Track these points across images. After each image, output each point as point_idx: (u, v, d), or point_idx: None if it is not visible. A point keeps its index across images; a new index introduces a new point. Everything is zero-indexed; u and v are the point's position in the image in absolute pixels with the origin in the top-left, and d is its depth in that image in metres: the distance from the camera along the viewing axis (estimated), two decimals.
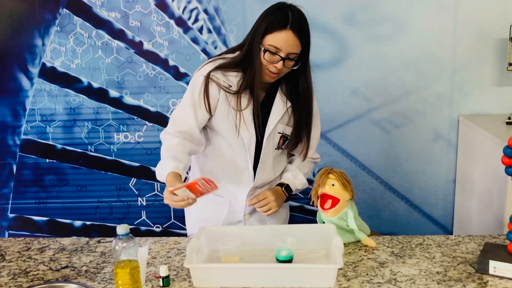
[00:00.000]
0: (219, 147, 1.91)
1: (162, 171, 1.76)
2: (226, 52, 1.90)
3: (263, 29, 1.74)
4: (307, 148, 1.97)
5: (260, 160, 1.90)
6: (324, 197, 1.71)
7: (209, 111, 1.83)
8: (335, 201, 1.69)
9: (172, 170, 1.72)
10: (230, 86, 1.82)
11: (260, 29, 1.75)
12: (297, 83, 1.86)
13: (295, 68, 1.78)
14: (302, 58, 1.79)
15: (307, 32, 1.77)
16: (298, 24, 1.73)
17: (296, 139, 1.94)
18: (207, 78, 1.81)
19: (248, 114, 1.84)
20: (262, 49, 1.74)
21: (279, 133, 1.91)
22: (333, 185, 1.69)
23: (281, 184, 1.96)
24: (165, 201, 1.65)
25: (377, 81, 2.85)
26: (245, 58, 1.80)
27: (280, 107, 1.88)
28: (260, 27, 1.75)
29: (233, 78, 1.82)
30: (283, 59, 1.73)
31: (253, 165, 1.91)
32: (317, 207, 1.75)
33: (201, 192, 1.62)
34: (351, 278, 1.51)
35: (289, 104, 1.89)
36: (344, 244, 1.71)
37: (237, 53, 1.84)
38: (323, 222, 1.77)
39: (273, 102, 1.89)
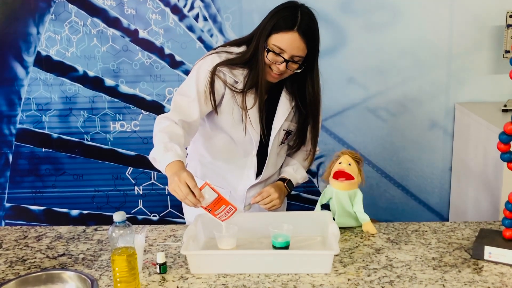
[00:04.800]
0: (222, 142, 1.89)
1: (168, 153, 1.62)
2: (230, 44, 1.85)
3: (269, 28, 1.69)
4: (313, 153, 1.96)
5: (267, 159, 1.90)
6: (338, 174, 1.73)
7: (215, 109, 1.80)
8: (350, 178, 1.72)
9: (180, 159, 1.62)
10: (236, 82, 1.79)
11: (266, 27, 1.70)
12: (303, 86, 1.82)
13: (298, 71, 1.75)
14: (307, 62, 1.75)
15: (315, 36, 1.72)
16: (306, 26, 1.68)
17: (300, 140, 1.94)
18: (213, 74, 1.76)
19: (254, 113, 1.82)
20: (266, 48, 1.70)
21: (283, 130, 1.90)
22: (349, 164, 1.71)
23: (283, 179, 1.95)
24: (172, 186, 1.55)
25: (373, 69, 2.84)
26: (252, 56, 1.75)
27: (285, 106, 1.86)
28: (267, 25, 1.70)
29: (240, 76, 1.79)
30: (286, 61, 1.70)
31: (257, 161, 1.90)
32: (327, 181, 1.78)
33: (215, 212, 1.60)
34: (347, 264, 1.52)
35: (294, 102, 1.87)
36: (344, 228, 1.73)
37: (243, 48, 1.80)
38: (323, 204, 1.78)
39: (277, 100, 1.87)
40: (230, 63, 1.78)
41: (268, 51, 1.70)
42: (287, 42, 1.68)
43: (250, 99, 1.80)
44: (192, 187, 1.54)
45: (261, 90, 1.78)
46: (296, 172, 1.97)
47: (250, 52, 1.76)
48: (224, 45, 1.87)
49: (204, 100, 1.78)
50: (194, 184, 1.54)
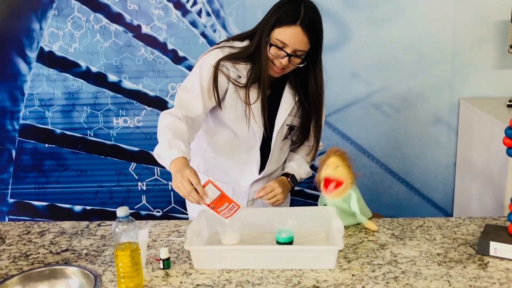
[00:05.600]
0: (225, 137, 1.88)
1: (172, 150, 1.62)
2: (233, 39, 1.84)
3: (272, 22, 1.68)
4: (316, 148, 1.95)
5: (270, 154, 1.89)
6: (328, 180, 1.71)
7: (219, 103, 1.80)
8: (339, 183, 1.69)
9: (184, 155, 1.62)
10: (240, 77, 1.78)
11: (269, 22, 1.69)
12: (306, 81, 1.81)
13: (301, 66, 1.74)
14: (310, 57, 1.74)
15: (318, 30, 1.71)
16: (309, 21, 1.66)
17: (303, 135, 1.92)
18: (216, 69, 1.75)
19: (257, 107, 1.81)
20: (269, 42, 1.69)
21: (287, 125, 1.89)
22: (337, 167, 1.69)
23: (286, 174, 1.94)
24: (175, 183, 1.56)
25: (377, 64, 2.83)
26: (255, 51, 1.74)
27: (289, 101, 1.85)
28: (270, 19, 1.69)
29: (243, 70, 1.78)
30: (288, 55, 1.68)
31: (260, 157, 1.89)
32: (320, 190, 1.75)
33: (218, 209, 1.60)
34: (352, 259, 1.51)
35: (297, 97, 1.85)
36: (345, 226, 1.71)
37: (246, 42, 1.79)
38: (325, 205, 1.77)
39: (280, 95, 1.86)
40: (233, 58, 1.77)
41: (271, 45, 1.69)
42: (289, 36, 1.67)
43: (253, 93, 1.79)
44: (195, 184, 1.53)
45: (264, 85, 1.77)
46: (299, 167, 1.96)
47: (253, 47, 1.75)
48: (227, 40, 1.86)
49: (208, 95, 1.77)
50: (197, 181, 1.54)
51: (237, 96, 1.80)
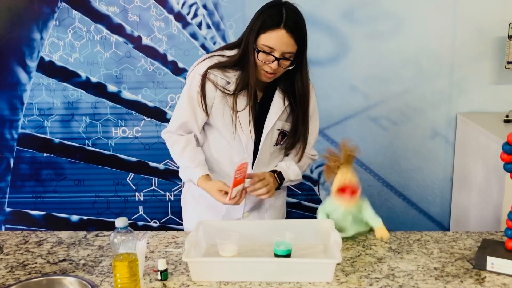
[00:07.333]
0: (217, 144, 1.90)
1: (191, 178, 1.84)
2: (223, 48, 1.88)
3: (256, 28, 1.71)
4: (304, 147, 1.95)
5: (256, 158, 1.89)
6: (343, 189, 1.68)
7: (206, 111, 1.83)
8: (354, 190, 1.67)
9: (199, 176, 1.80)
10: (229, 83, 1.80)
11: (254, 28, 1.72)
12: (294, 82, 1.83)
13: (291, 67, 1.76)
14: (298, 57, 1.76)
15: (303, 30, 1.74)
16: (292, 22, 1.69)
17: (294, 139, 1.92)
18: (204, 77, 1.79)
19: (245, 114, 1.83)
20: (256, 49, 1.72)
21: (277, 129, 1.90)
22: (351, 173, 1.69)
23: (273, 171, 1.92)
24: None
25: (375, 78, 2.85)
26: (241, 58, 1.78)
27: (278, 105, 1.86)
28: (254, 26, 1.72)
29: (232, 77, 1.81)
30: (277, 59, 1.70)
31: (252, 163, 1.90)
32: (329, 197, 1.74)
33: (240, 180, 1.71)
34: (349, 273, 1.52)
35: (287, 102, 1.87)
36: (359, 233, 1.73)
37: (235, 51, 1.82)
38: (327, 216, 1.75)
39: (271, 100, 1.88)
40: (221, 66, 1.80)
41: (258, 51, 1.71)
42: (275, 40, 1.69)
43: (242, 100, 1.81)
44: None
45: (252, 92, 1.79)
46: (288, 168, 1.93)
47: (239, 54, 1.78)
48: (217, 50, 1.89)
49: (197, 103, 1.83)
50: (220, 196, 1.76)
51: (225, 103, 1.82)
